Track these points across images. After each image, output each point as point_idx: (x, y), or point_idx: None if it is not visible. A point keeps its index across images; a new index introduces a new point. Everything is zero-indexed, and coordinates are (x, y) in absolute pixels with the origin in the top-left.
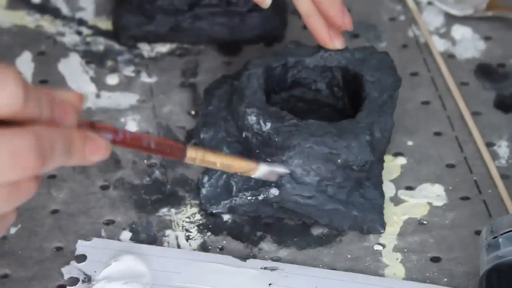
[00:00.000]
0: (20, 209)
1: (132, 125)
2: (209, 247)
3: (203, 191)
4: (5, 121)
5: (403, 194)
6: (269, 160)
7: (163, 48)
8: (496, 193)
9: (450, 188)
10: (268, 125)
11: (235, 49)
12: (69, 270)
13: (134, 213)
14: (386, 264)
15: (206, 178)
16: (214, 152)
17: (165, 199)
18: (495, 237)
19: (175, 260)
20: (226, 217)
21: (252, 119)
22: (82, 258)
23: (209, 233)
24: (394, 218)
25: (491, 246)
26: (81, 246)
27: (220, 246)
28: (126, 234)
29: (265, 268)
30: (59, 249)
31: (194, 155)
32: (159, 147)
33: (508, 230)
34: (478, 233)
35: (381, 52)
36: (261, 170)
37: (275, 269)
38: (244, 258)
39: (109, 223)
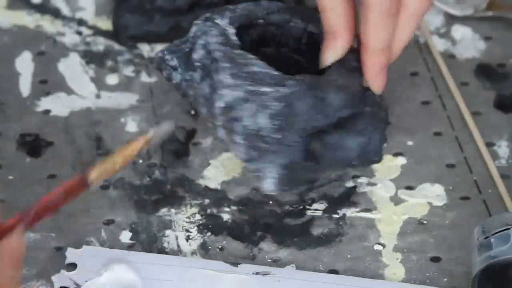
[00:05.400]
0: (20, 209)
1: (132, 125)
2: (209, 247)
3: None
4: None
5: (403, 194)
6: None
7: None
8: (496, 193)
9: (450, 188)
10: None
11: None
12: (60, 279)
13: (134, 213)
14: (386, 264)
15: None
16: (111, 156)
17: (165, 199)
18: (487, 237)
19: (166, 267)
20: (226, 217)
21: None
22: (72, 266)
23: (209, 233)
24: (394, 218)
25: (483, 246)
26: (71, 254)
27: (220, 246)
28: (126, 234)
29: (257, 273)
30: (59, 249)
31: (95, 176)
32: (66, 195)
33: (499, 230)
34: None
35: None
36: (154, 134)
37: (267, 274)
38: (235, 263)
39: (109, 223)
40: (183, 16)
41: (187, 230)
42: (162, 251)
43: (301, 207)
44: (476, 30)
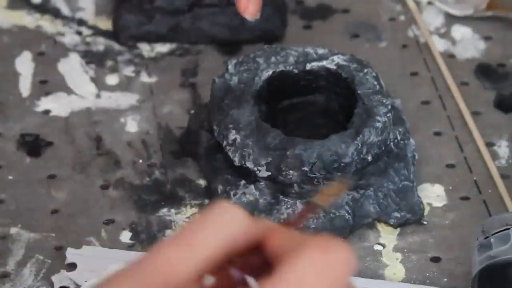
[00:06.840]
0: (20, 209)
1: (132, 125)
2: None
3: None
4: None
5: None
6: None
7: (163, 48)
8: (496, 193)
9: (450, 188)
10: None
11: (235, 49)
12: (60, 279)
13: (134, 213)
14: (386, 264)
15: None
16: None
17: (165, 199)
18: (487, 237)
19: None
20: None
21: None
22: (72, 266)
23: None
24: None
25: (483, 246)
26: (71, 254)
27: None
28: (126, 234)
29: None
30: (59, 249)
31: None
32: (301, 217)
33: (499, 230)
34: None
35: None
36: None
37: None
38: None
39: (109, 223)
40: (183, 16)
41: None
42: None
43: None
44: (476, 30)
